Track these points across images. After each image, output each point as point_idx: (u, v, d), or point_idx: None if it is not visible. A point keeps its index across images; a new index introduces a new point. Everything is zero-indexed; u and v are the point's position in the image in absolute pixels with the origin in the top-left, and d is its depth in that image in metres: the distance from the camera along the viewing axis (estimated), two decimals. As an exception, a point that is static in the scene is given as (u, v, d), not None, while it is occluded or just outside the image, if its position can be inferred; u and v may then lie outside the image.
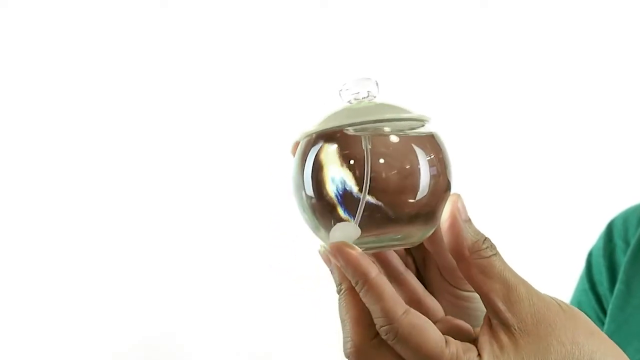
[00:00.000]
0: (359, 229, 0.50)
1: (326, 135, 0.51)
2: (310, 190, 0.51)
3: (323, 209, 0.51)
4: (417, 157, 0.50)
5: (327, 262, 0.52)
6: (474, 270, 0.49)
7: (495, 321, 0.49)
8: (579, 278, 0.87)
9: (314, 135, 0.51)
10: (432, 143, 0.51)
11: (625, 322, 0.76)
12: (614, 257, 0.83)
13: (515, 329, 0.48)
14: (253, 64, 1.78)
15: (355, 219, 0.50)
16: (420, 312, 0.53)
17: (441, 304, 0.56)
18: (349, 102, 0.53)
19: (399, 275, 0.54)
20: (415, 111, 0.52)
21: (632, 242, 0.81)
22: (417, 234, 0.52)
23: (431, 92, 1.68)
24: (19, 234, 1.76)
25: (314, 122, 0.53)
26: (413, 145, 0.50)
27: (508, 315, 0.49)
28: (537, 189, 1.70)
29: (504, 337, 0.49)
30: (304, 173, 0.51)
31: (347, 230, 0.50)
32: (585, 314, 0.84)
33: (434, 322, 0.52)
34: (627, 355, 0.73)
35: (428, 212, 0.51)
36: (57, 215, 1.77)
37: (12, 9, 1.75)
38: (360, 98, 0.52)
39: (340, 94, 0.53)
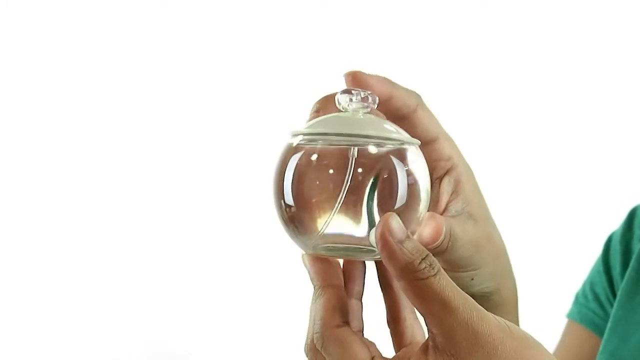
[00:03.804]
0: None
1: (308, 143, 0.51)
2: (289, 198, 0.51)
3: (301, 216, 0.51)
4: (396, 170, 0.50)
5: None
6: (411, 291, 0.47)
7: (431, 343, 0.48)
8: (597, 259, 0.88)
9: (294, 144, 0.52)
10: (413, 157, 0.52)
11: (632, 310, 0.75)
12: (630, 244, 0.83)
13: (448, 355, 0.47)
14: (253, 63, 1.78)
15: (326, 222, 0.50)
16: (396, 330, 0.54)
17: None
18: (343, 109, 0.53)
19: (393, 288, 0.54)
20: (405, 133, 0.52)
21: None
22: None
23: (431, 92, 1.68)
24: (19, 237, 1.76)
25: (303, 124, 0.53)
26: (395, 158, 0.50)
27: (441, 339, 0.47)
28: (562, 181, 1.70)
29: None
30: (284, 181, 0.51)
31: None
32: (597, 294, 0.85)
33: (405, 344, 0.53)
34: (632, 341, 0.73)
35: None
36: (58, 219, 1.77)
37: (12, 9, 1.75)
38: (356, 108, 0.52)
39: (337, 100, 0.53)
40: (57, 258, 1.76)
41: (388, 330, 0.55)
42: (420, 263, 0.47)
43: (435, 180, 0.59)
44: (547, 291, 1.43)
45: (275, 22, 1.78)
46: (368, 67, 0.57)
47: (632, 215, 0.85)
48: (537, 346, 0.48)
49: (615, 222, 0.88)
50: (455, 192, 0.58)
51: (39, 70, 1.76)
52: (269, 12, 1.77)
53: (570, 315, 0.88)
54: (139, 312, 1.78)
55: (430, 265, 0.47)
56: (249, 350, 1.78)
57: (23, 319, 1.75)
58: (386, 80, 0.56)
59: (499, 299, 0.62)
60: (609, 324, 0.77)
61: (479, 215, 0.59)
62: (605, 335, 0.76)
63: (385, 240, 0.47)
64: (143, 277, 1.78)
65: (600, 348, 0.76)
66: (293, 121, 0.55)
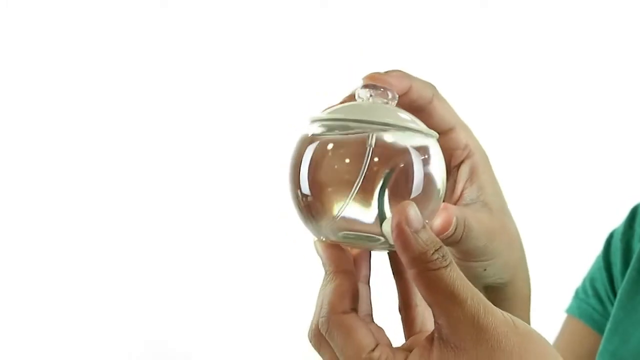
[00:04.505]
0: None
1: (325, 133, 0.51)
2: (305, 185, 0.51)
3: (316, 202, 0.51)
4: (413, 160, 0.50)
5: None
6: (421, 281, 0.47)
7: (436, 334, 0.48)
8: (597, 256, 0.88)
9: (310, 133, 0.52)
10: (430, 148, 0.52)
11: (633, 310, 0.76)
12: (631, 243, 0.83)
13: (452, 346, 0.47)
14: (254, 63, 1.78)
15: (341, 209, 0.50)
16: (407, 317, 0.54)
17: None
18: (361, 99, 0.53)
19: (406, 275, 0.54)
20: (423, 125, 0.52)
21: None
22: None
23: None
24: (20, 237, 1.76)
25: (323, 110, 0.53)
26: (412, 149, 0.50)
27: (447, 331, 0.47)
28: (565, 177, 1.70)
29: (436, 352, 0.47)
30: (301, 166, 0.51)
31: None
32: (597, 290, 0.85)
33: (415, 332, 0.53)
34: (633, 342, 0.73)
35: None
36: (58, 219, 1.77)
37: (12, 9, 1.75)
38: (375, 99, 0.53)
39: (357, 94, 0.53)
40: (58, 258, 1.76)
41: (399, 317, 0.55)
42: (433, 254, 0.47)
43: (453, 169, 0.59)
44: (547, 286, 1.43)
45: (276, 22, 1.78)
46: (367, 67, 0.57)
47: (633, 214, 0.85)
48: (540, 341, 0.48)
49: (616, 219, 0.88)
50: (470, 180, 0.59)
51: (39, 70, 1.76)
52: (270, 12, 1.77)
53: (569, 310, 0.88)
54: (139, 312, 1.78)
55: (443, 256, 0.47)
56: (249, 350, 1.78)
57: (23, 319, 1.75)
58: (403, 75, 0.56)
59: (512, 291, 0.63)
60: (609, 325, 0.77)
61: (494, 204, 0.59)
62: (605, 336, 0.76)
63: (401, 228, 0.47)
64: (143, 277, 1.78)
65: (600, 348, 0.76)
66: (293, 120, 0.55)
